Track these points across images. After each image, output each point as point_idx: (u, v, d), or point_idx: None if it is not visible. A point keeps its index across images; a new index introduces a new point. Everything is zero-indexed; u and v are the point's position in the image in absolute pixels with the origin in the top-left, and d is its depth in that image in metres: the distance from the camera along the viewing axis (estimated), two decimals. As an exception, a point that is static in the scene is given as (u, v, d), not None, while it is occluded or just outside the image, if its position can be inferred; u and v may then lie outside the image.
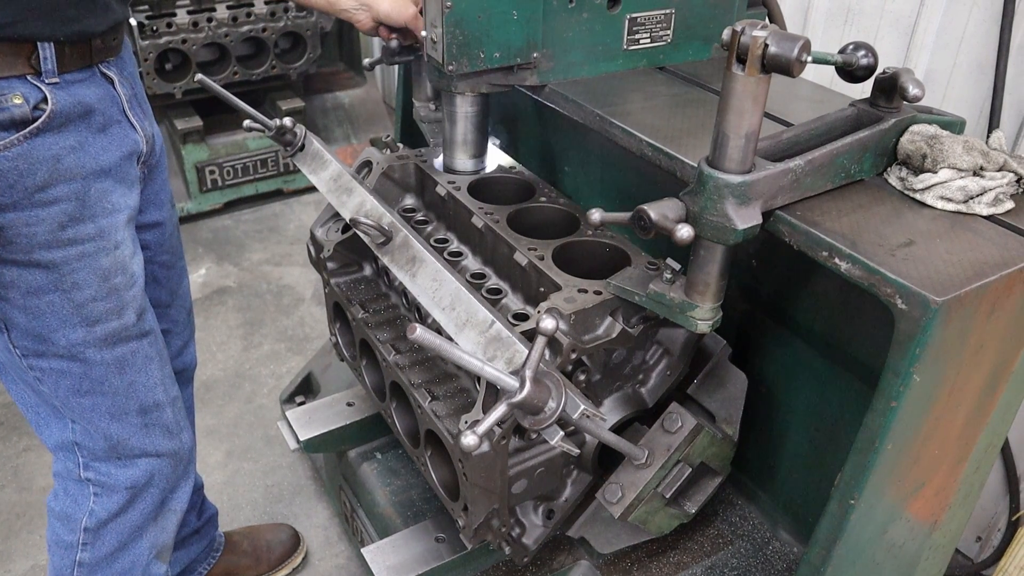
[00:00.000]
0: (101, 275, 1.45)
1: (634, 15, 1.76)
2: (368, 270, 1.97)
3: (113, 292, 1.48)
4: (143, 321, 1.56)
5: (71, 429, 1.58)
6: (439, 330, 1.51)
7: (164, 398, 1.64)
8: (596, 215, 1.33)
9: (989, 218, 1.29)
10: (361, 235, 1.68)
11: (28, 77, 1.30)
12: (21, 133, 1.28)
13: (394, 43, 1.94)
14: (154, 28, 3.70)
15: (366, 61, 2.11)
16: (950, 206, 1.30)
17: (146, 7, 3.77)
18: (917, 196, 1.32)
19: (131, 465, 1.63)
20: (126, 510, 1.67)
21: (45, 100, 1.31)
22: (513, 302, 1.65)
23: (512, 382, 1.18)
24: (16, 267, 1.36)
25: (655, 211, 1.21)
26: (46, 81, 1.32)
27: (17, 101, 1.27)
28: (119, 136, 1.47)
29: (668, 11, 1.80)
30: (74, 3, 1.33)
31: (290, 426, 2.16)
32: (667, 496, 1.60)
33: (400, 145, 2.07)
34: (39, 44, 1.29)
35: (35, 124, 1.30)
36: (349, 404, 2.22)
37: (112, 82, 1.46)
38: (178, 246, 1.87)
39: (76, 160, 1.37)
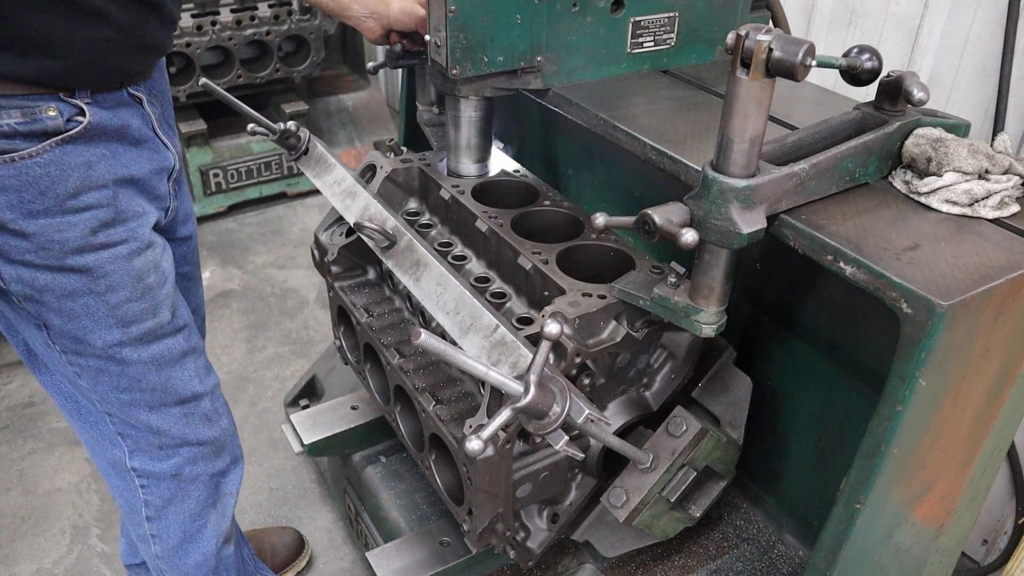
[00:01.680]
0: (135, 276, 1.46)
1: (638, 18, 1.76)
2: (372, 274, 1.97)
3: (147, 292, 1.49)
4: (177, 318, 1.58)
5: (110, 421, 1.60)
6: (443, 334, 1.51)
7: (201, 389, 1.65)
8: (600, 219, 1.32)
9: (995, 221, 1.28)
10: (365, 239, 1.68)
11: (62, 95, 1.31)
12: (52, 140, 1.29)
13: (398, 47, 1.94)
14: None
15: (370, 65, 2.11)
16: (955, 209, 1.29)
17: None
18: (922, 199, 1.32)
19: (174, 454, 1.65)
20: (179, 498, 1.69)
21: (82, 112, 1.32)
22: (517, 306, 1.65)
23: (516, 387, 1.17)
24: (49, 272, 1.37)
25: (659, 215, 1.21)
26: (81, 100, 1.34)
27: (51, 113, 1.29)
28: (150, 151, 1.48)
29: (672, 14, 1.79)
30: (131, 52, 1.36)
31: (294, 429, 2.16)
32: (672, 500, 1.60)
33: (404, 149, 2.07)
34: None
35: (68, 133, 1.31)
36: (353, 408, 2.22)
37: (140, 101, 1.46)
38: (198, 258, 1.90)
39: (108, 167, 1.38)
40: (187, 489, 1.70)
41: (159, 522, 1.71)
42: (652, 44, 1.82)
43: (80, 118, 1.32)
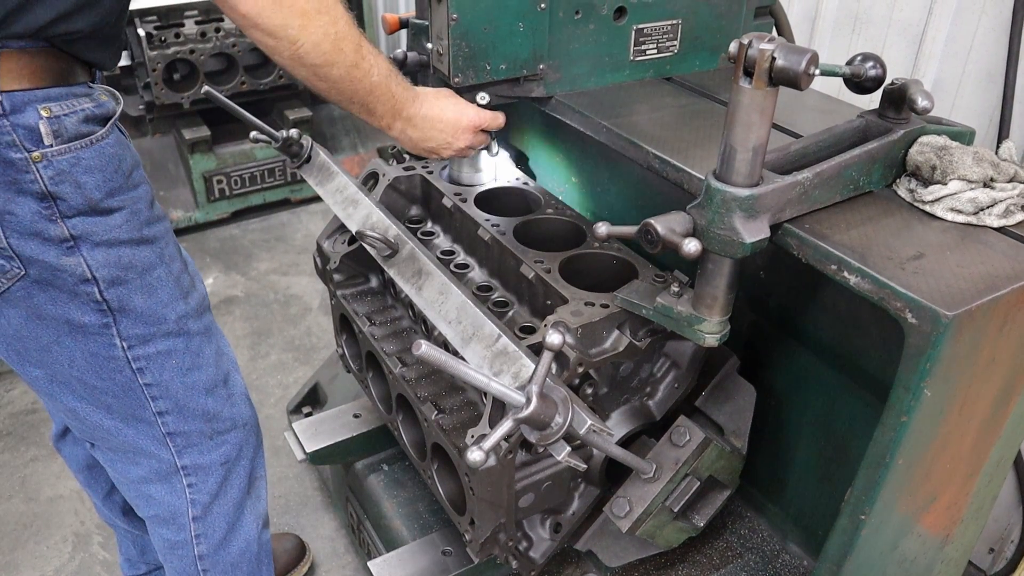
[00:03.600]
0: (178, 248, 1.59)
1: (640, 26, 1.76)
2: (374, 282, 1.97)
3: (187, 264, 1.62)
4: (206, 295, 1.68)
5: (161, 422, 1.62)
6: (445, 343, 1.51)
7: (234, 363, 1.74)
8: (603, 229, 1.32)
9: (1000, 230, 1.28)
10: (367, 248, 1.68)
11: (99, 82, 1.45)
12: (112, 122, 1.40)
13: (399, 52, 1.94)
14: (162, 38, 3.72)
15: (373, 72, 2.11)
16: (960, 218, 1.28)
17: (154, 18, 3.78)
18: (927, 208, 1.31)
19: (223, 442, 1.69)
20: (224, 488, 1.72)
21: (115, 97, 1.44)
22: (520, 315, 1.64)
23: (519, 397, 1.17)
24: (131, 246, 1.45)
25: (662, 225, 1.21)
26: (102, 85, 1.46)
27: (105, 98, 1.40)
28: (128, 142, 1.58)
29: (675, 22, 1.79)
30: (116, 39, 1.45)
31: (297, 437, 2.15)
32: (675, 510, 1.59)
33: (406, 156, 2.07)
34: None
35: (117, 115, 1.42)
36: (356, 416, 2.21)
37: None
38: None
39: (131, 148, 1.49)
40: (232, 478, 1.72)
41: (205, 520, 1.72)
42: (655, 51, 1.81)
43: (115, 102, 1.43)
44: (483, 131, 1.73)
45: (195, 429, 1.64)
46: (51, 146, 1.30)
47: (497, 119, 1.72)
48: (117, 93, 1.47)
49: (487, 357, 1.36)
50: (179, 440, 1.65)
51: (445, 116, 1.65)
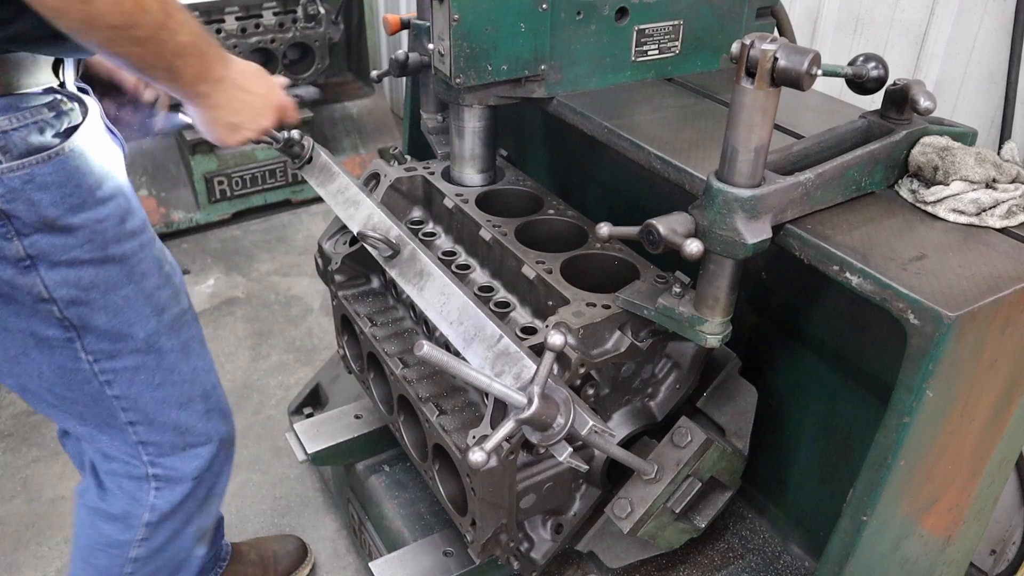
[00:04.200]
0: (157, 263, 1.50)
1: (642, 26, 1.76)
2: (376, 283, 1.97)
3: (167, 279, 1.53)
4: (191, 306, 1.62)
5: (133, 431, 1.60)
6: (447, 344, 1.50)
7: (216, 380, 1.71)
8: (604, 229, 1.32)
9: (1002, 231, 1.28)
10: (369, 248, 1.68)
11: (60, 86, 1.34)
12: (76, 132, 1.32)
13: (400, 53, 1.94)
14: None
15: (374, 73, 2.11)
16: (962, 219, 1.28)
17: (156, 19, 3.78)
18: (929, 209, 1.31)
19: (196, 456, 1.67)
20: (186, 500, 1.70)
21: (83, 104, 1.35)
22: (521, 315, 1.64)
23: (520, 398, 1.17)
24: (94, 266, 1.39)
25: (664, 226, 1.21)
26: (69, 90, 1.36)
27: (68, 106, 1.31)
28: (115, 140, 1.51)
29: (676, 22, 1.79)
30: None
31: (298, 438, 2.15)
32: (677, 511, 1.59)
33: (408, 157, 2.07)
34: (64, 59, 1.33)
35: (83, 123, 1.33)
36: (357, 416, 2.21)
37: (88, 92, 1.47)
38: None
39: (108, 155, 1.41)
40: (197, 491, 1.71)
41: (156, 527, 1.70)
42: (656, 52, 1.81)
43: (82, 107, 1.34)
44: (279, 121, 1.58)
45: (167, 440, 1.62)
46: None
47: (296, 110, 1.59)
48: (88, 99, 1.37)
49: (489, 358, 1.36)
50: (151, 449, 1.63)
51: (256, 88, 1.48)
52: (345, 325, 1.99)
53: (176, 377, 1.57)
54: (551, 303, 1.54)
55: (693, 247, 1.19)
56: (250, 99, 1.45)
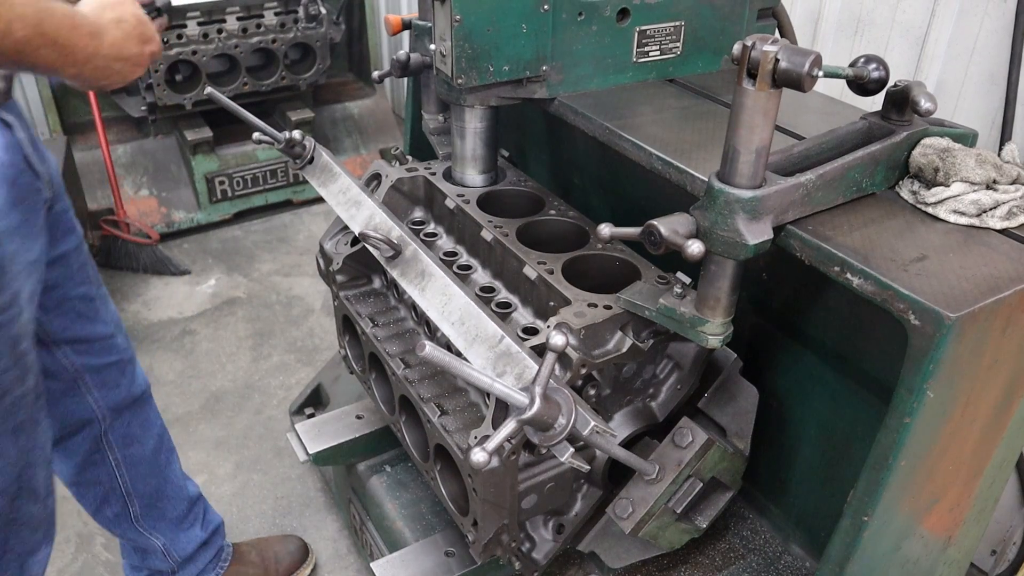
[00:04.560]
0: (11, 344, 1.33)
1: (643, 27, 1.76)
2: (377, 283, 1.97)
3: (20, 359, 1.37)
4: (38, 383, 1.46)
5: None
6: (448, 345, 1.51)
7: (42, 459, 1.53)
8: (605, 230, 1.32)
9: (1003, 232, 1.28)
10: (370, 249, 1.68)
11: None
12: None
13: (402, 54, 1.94)
14: (164, 39, 3.72)
15: (375, 73, 2.11)
16: (963, 220, 1.29)
17: (157, 19, 3.78)
18: (930, 210, 1.31)
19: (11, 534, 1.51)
20: None
21: None
22: (523, 316, 1.64)
23: (522, 399, 1.17)
24: None
25: (665, 226, 1.21)
26: None
27: None
28: (25, 189, 1.33)
29: (678, 23, 1.79)
30: None
31: (299, 438, 2.15)
32: (678, 511, 1.59)
33: (409, 157, 2.07)
34: None
35: None
36: (358, 417, 2.21)
37: (12, 128, 1.30)
38: (94, 274, 1.73)
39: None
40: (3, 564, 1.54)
41: None
42: (658, 53, 1.82)
43: None
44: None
45: None
46: None
47: (160, 45, 1.38)
48: None
49: (490, 358, 1.36)
50: None
51: (125, 15, 1.28)
52: (347, 325, 2.00)
53: None
54: (552, 304, 1.54)
55: (694, 248, 1.19)
56: (127, 27, 1.27)
